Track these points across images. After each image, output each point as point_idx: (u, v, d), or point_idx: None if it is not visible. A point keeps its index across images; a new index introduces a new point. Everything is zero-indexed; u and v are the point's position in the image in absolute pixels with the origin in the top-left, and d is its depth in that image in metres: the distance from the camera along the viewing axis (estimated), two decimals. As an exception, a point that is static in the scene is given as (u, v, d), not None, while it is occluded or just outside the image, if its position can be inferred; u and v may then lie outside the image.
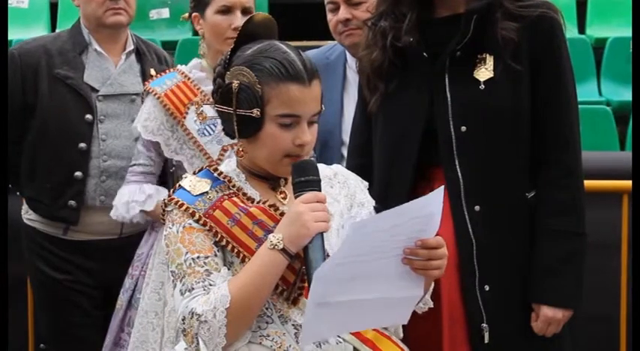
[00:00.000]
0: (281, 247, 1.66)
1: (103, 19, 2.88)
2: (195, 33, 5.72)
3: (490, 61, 2.18)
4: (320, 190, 1.71)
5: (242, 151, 1.78)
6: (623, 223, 3.26)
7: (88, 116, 2.85)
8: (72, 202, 2.84)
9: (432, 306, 1.90)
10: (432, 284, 1.86)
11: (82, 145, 2.83)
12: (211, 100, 2.55)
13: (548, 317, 2.19)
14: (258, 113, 1.73)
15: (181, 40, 5.48)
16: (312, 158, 1.70)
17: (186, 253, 1.72)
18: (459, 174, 2.17)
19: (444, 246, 1.72)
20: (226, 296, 1.66)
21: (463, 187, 2.17)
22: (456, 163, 2.17)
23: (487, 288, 2.17)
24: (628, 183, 3.22)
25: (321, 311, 1.63)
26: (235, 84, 1.74)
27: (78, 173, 2.83)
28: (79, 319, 2.87)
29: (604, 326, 3.27)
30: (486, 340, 2.16)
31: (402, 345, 1.87)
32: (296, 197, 1.71)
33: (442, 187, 1.69)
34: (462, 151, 2.17)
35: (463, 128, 2.17)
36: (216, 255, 1.72)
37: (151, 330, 2.61)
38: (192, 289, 1.69)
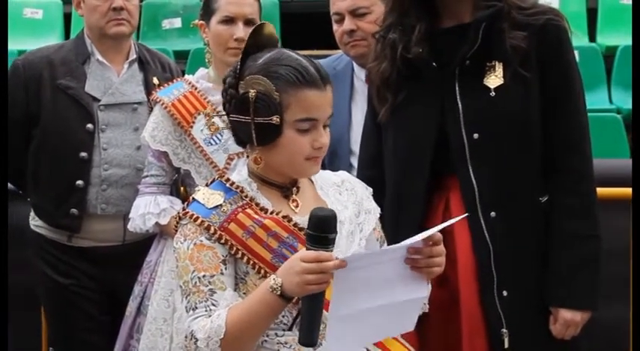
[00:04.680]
0: (279, 293, 1.67)
1: (105, 30, 2.92)
2: (207, 42, 5.80)
3: (499, 68, 2.20)
4: (331, 247, 1.65)
5: (259, 159, 1.80)
6: (632, 229, 3.25)
7: (89, 126, 2.88)
8: (74, 211, 2.88)
9: (427, 310, 1.92)
10: (430, 288, 1.87)
11: (83, 154, 2.87)
12: (219, 110, 2.63)
13: (567, 320, 2.22)
14: (278, 120, 1.75)
15: (193, 49, 5.52)
16: (334, 211, 1.67)
17: (193, 270, 1.74)
18: (474, 181, 2.20)
19: (441, 242, 1.76)
20: (222, 327, 1.69)
21: (478, 194, 2.20)
22: (470, 170, 2.20)
23: (505, 293, 2.19)
24: (639, 191, 3.24)
25: (340, 325, 1.65)
26: (252, 93, 1.76)
27: (79, 182, 2.86)
28: (85, 324, 2.90)
29: (614, 332, 3.27)
30: (506, 346, 2.19)
31: (409, 346, 1.89)
32: (306, 246, 1.68)
33: (459, 217, 1.75)
34: (476, 158, 2.20)
35: (475, 135, 2.20)
36: (222, 273, 1.75)
37: (159, 336, 2.63)
38: (196, 308, 1.73)
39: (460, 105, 2.20)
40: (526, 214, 2.22)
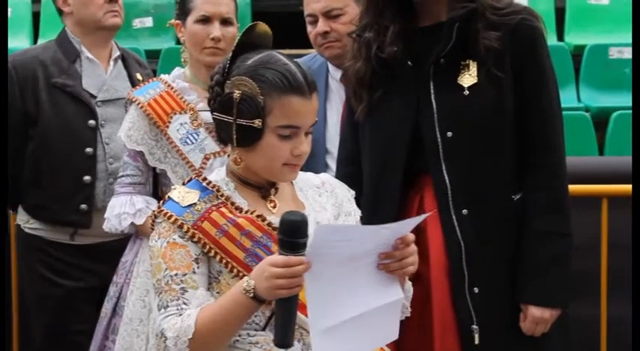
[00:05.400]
0: (251, 295, 1.67)
1: (102, 22, 2.96)
2: (179, 41, 5.78)
3: (473, 67, 2.22)
4: (301, 251, 1.63)
5: (239, 159, 1.80)
6: (603, 226, 3.31)
7: (91, 121, 2.93)
8: (83, 206, 2.90)
9: (409, 315, 1.92)
10: (411, 291, 1.89)
11: (89, 149, 2.90)
12: (199, 108, 2.64)
13: (536, 317, 2.24)
14: (260, 124, 1.75)
15: (165, 48, 5.49)
16: (304, 215, 1.66)
17: (166, 269, 1.74)
18: (446, 179, 2.21)
19: (412, 242, 1.76)
20: (191, 327, 1.69)
21: (451, 192, 2.22)
22: (443, 168, 2.22)
23: (476, 290, 2.21)
24: (607, 187, 3.28)
25: (324, 341, 1.65)
26: (237, 94, 1.75)
27: (87, 177, 2.89)
28: (79, 326, 2.89)
29: (585, 328, 3.31)
30: (476, 342, 2.20)
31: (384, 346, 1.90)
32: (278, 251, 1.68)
33: (424, 215, 1.75)
34: (449, 156, 2.21)
35: (449, 133, 2.21)
36: (194, 272, 1.74)
37: (135, 337, 2.63)
38: (167, 306, 1.73)
39: (434, 103, 2.22)
40: (498, 211, 2.24)
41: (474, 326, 2.21)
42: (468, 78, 2.22)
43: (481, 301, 2.21)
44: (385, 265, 1.72)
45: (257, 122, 1.74)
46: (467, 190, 2.22)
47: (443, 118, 2.22)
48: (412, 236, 1.75)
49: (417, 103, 2.25)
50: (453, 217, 2.21)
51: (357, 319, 1.69)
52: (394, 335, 1.77)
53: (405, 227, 1.73)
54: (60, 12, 3.06)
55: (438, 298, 2.22)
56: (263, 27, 1.83)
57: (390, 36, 2.23)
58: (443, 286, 2.22)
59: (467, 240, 2.21)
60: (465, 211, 2.21)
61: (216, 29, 2.67)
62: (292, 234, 1.63)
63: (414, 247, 1.75)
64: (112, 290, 2.77)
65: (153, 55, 5.37)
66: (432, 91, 2.23)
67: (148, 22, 5.92)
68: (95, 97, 2.95)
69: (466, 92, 2.21)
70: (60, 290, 2.92)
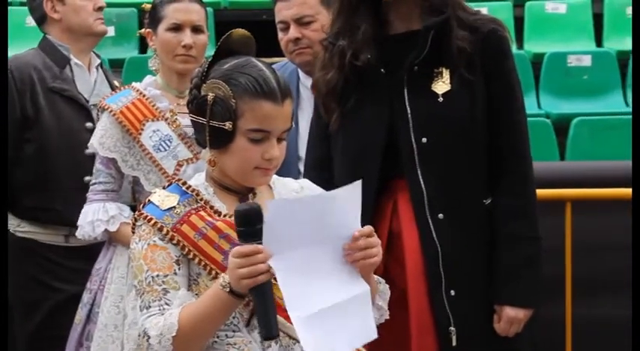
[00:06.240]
0: (228, 290, 1.70)
1: (92, 28, 3.06)
2: (142, 51, 5.77)
3: (447, 74, 2.27)
4: (256, 239, 1.67)
5: (213, 160, 1.83)
6: (567, 229, 3.37)
7: (89, 124, 3.00)
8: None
9: (388, 317, 1.93)
10: (388, 293, 1.91)
11: (89, 151, 2.90)
12: (172, 113, 2.66)
13: (511, 317, 2.29)
14: (231, 126, 1.77)
15: (128, 58, 5.49)
16: (256, 204, 1.70)
17: (147, 270, 1.76)
18: (422, 184, 2.25)
19: (374, 234, 1.77)
20: (174, 325, 1.71)
21: (427, 197, 2.26)
22: (419, 173, 2.25)
23: (453, 293, 2.25)
24: (571, 191, 3.36)
25: (308, 327, 1.67)
26: (210, 96, 1.79)
27: (87, 178, 2.89)
28: (65, 332, 2.88)
29: (550, 329, 3.37)
30: (454, 343, 2.24)
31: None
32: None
33: (359, 181, 1.73)
34: (424, 161, 2.26)
35: (424, 140, 2.26)
36: (175, 273, 1.77)
37: (110, 343, 2.63)
38: (150, 307, 1.75)
39: (409, 110, 2.26)
40: (472, 215, 2.29)
41: (452, 328, 2.24)
42: (442, 85, 2.27)
43: (457, 303, 2.25)
44: (349, 255, 1.73)
45: (228, 125, 1.77)
46: (442, 195, 2.26)
47: (418, 125, 2.25)
48: (369, 228, 1.76)
49: (390, 110, 2.28)
50: (430, 221, 2.25)
51: (332, 310, 1.71)
52: (373, 333, 1.78)
53: (350, 194, 1.73)
54: (42, 20, 3.10)
55: (414, 300, 2.25)
56: (241, 33, 1.85)
57: (364, 42, 2.26)
58: (420, 288, 2.25)
59: (443, 244, 2.25)
60: (440, 216, 2.26)
61: (187, 37, 2.69)
62: (243, 223, 1.68)
63: (377, 239, 1.77)
64: (86, 297, 2.77)
65: (116, 64, 5.37)
66: (406, 98, 2.27)
67: (111, 31, 5.90)
68: (87, 101, 3.03)
69: (440, 99, 2.26)
70: (56, 294, 2.94)
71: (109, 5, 6.07)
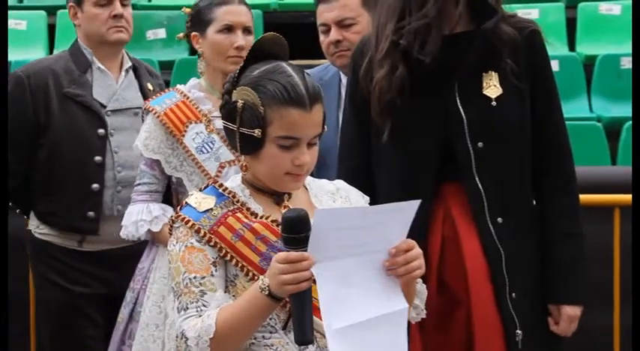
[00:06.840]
0: (267, 293, 1.70)
1: (106, 37, 3.03)
2: (192, 53, 5.82)
3: (495, 78, 2.28)
4: (302, 246, 1.67)
5: (246, 166, 1.85)
6: (615, 236, 3.32)
7: (101, 130, 2.99)
8: (90, 214, 2.96)
9: (425, 316, 1.93)
10: (425, 292, 1.91)
11: (98, 158, 2.96)
12: (206, 117, 2.68)
13: (570, 316, 2.31)
14: (260, 133, 1.78)
15: (178, 60, 5.54)
16: (303, 211, 1.69)
17: (185, 272, 1.78)
18: (481, 188, 2.26)
19: (415, 245, 1.76)
20: (212, 326, 1.72)
21: (486, 201, 2.26)
22: (476, 178, 2.26)
23: (514, 295, 2.27)
24: (620, 197, 3.30)
25: (339, 340, 1.67)
26: (240, 103, 1.79)
27: (95, 185, 2.94)
28: (89, 331, 2.93)
29: (598, 338, 3.32)
30: (520, 346, 2.25)
31: None
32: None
33: (417, 201, 1.73)
34: (481, 166, 2.26)
35: (480, 144, 2.26)
36: (213, 275, 1.78)
37: (152, 342, 2.66)
38: (187, 308, 1.76)
39: (464, 115, 2.26)
40: (526, 217, 2.32)
41: (518, 331, 2.26)
42: (494, 89, 2.27)
43: (519, 306, 2.27)
44: (392, 270, 1.74)
45: (257, 132, 1.78)
46: (500, 198, 2.27)
47: (473, 130, 2.26)
48: (407, 242, 1.74)
49: (444, 115, 2.28)
50: (490, 226, 2.26)
51: (366, 325, 1.71)
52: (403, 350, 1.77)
53: (403, 210, 1.72)
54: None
55: (479, 304, 2.25)
56: (274, 37, 1.85)
57: (432, 41, 2.21)
58: (483, 292, 2.25)
59: (505, 248, 2.26)
60: (500, 220, 2.27)
61: (239, 38, 2.73)
62: (290, 230, 1.68)
63: (418, 250, 1.76)
64: (129, 296, 2.81)
65: (166, 66, 5.41)
66: (459, 103, 2.27)
67: (161, 33, 5.97)
68: (105, 106, 3.02)
69: (494, 103, 2.27)
70: (67, 295, 2.97)
71: (160, 8, 6.18)
